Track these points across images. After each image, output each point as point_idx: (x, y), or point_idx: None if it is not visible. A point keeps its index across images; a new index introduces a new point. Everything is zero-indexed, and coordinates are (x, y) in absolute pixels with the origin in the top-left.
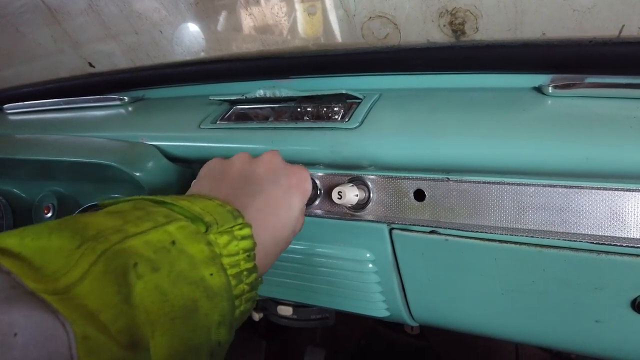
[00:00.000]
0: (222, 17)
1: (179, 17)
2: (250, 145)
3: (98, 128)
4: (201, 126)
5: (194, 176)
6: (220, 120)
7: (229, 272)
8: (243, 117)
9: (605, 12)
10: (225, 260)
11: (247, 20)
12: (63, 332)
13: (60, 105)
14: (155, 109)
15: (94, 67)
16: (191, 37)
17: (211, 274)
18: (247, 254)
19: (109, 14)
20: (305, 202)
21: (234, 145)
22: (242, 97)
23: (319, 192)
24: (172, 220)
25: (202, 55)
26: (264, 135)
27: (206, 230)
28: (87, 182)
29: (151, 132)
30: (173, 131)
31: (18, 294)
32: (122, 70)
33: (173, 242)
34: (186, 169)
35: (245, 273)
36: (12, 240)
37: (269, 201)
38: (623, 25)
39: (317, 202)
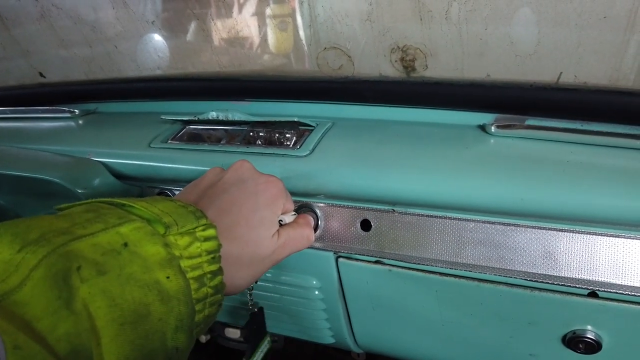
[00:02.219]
0: (178, 36)
1: (135, 33)
2: (200, 167)
3: (45, 141)
4: (151, 145)
5: (141, 194)
6: (172, 139)
7: (190, 274)
8: (195, 137)
9: (545, 59)
10: (186, 263)
11: (204, 41)
12: None
13: (7, 114)
14: (106, 123)
15: (44, 77)
16: (147, 54)
17: (167, 277)
18: (211, 255)
19: (62, 24)
20: (279, 214)
21: (184, 166)
22: (194, 118)
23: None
24: (125, 222)
25: (158, 72)
26: (214, 157)
27: (165, 232)
28: (30, 196)
29: (100, 147)
30: (122, 148)
31: None
32: (75, 82)
33: (125, 244)
34: (134, 187)
35: (208, 275)
36: None
37: (233, 201)
38: (561, 73)
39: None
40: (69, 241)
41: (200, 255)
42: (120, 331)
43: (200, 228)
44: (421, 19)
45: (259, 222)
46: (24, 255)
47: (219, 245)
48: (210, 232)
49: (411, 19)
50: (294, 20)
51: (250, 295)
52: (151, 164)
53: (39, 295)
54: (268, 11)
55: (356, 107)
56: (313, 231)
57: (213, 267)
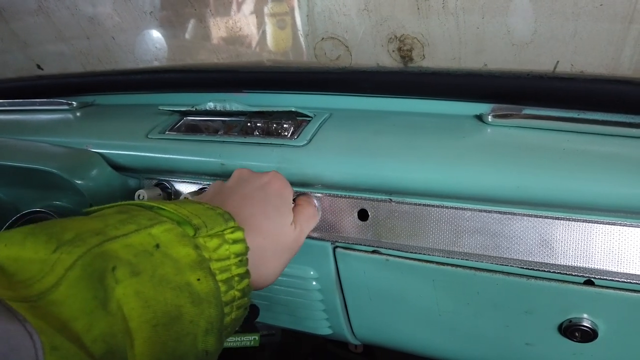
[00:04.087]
0: (177, 28)
1: (132, 24)
2: (198, 158)
3: (43, 132)
4: (149, 136)
5: (138, 185)
6: (169, 130)
7: (219, 277)
8: (193, 128)
9: (542, 48)
10: (215, 265)
11: (202, 32)
12: (30, 343)
13: (5, 106)
14: (103, 115)
15: (42, 69)
16: (145, 45)
17: (198, 279)
18: (239, 258)
19: (60, 16)
20: (291, 202)
21: (181, 156)
22: (192, 109)
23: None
24: (156, 223)
25: (155, 64)
26: (212, 148)
27: (194, 234)
28: (28, 188)
29: (97, 139)
30: (120, 139)
31: None
32: (72, 75)
33: (157, 246)
34: (131, 178)
35: (236, 279)
36: None
37: (244, 197)
38: (557, 62)
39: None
40: (103, 242)
41: (228, 258)
42: (153, 333)
43: (229, 230)
44: (418, 9)
45: (275, 212)
46: (59, 255)
47: (247, 248)
48: (238, 234)
49: (408, 8)
50: (291, 10)
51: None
52: (149, 154)
53: (74, 295)
54: (266, 3)
55: (354, 97)
56: (315, 207)
57: (241, 270)
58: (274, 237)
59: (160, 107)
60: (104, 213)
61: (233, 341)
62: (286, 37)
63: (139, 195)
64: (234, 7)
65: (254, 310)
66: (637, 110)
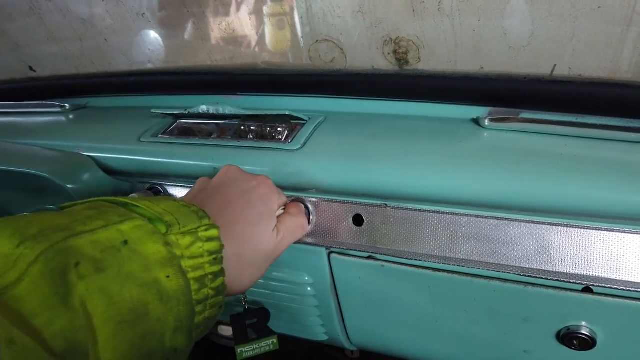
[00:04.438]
0: (170, 30)
1: (125, 26)
2: (191, 162)
3: (35, 135)
4: (141, 139)
5: (131, 189)
6: (162, 134)
7: (191, 275)
8: (186, 132)
9: (539, 51)
10: (187, 263)
11: (196, 35)
12: None
13: None
14: (96, 118)
15: (34, 71)
16: (138, 48)
17: (167, 276)
18: (213, 256)
19: (51, 18)
20: (275, 209)
21: (174, 160)
22: (184, 112)
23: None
24: (126, 220)
25: (149, 66)
26: (205, 151)
27: (166, 231)
28: (19, 192)
29: (90, 142)
30: (112, 143)
31: None
32: (65, 77)
33: (125, 242)
34: (124, 182)
35: (210, 277)
36: None
37: (227, 200)
38: (555, 65)
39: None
40: (67, 237)
41: (202, 256)
42: (118, 330)
43: (203, 228)
44: (414, 11)
45: (258, 218)
46: (22, 250)
47: (222, 246)
48: (213, 232)
49: (404, 10)
50: (285, 12)
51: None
52: (141, 158)
53: (35, 290)
54: (261, 4)
55: (349, 100)
56: (306, 219)
57: (215, 269)
58: (253, 244)
59: (153, 111)
60: (73, 209)
61: (252, 349)
62: (280, 39)
63: None
64: (228, 9)
65: (264, 313)
66: (636, 114)
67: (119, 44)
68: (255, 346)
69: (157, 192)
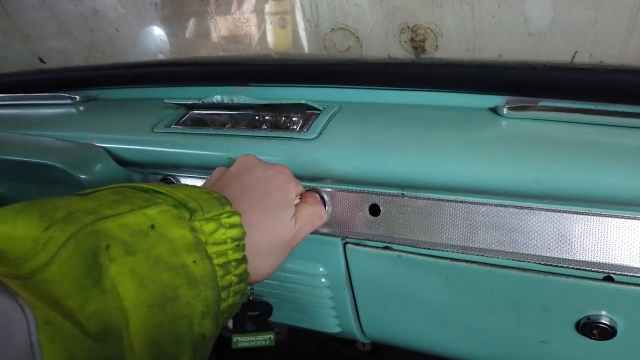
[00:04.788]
0: (183, 20)
1: (137, 16)
2: (205, 152)
3: (46, 127)
4: (154, 130)
5: (143, 180)
6: (175, 124)
7: (216, 261)
8: (199, 122)
9: (560, 38)
10: (211, 249)
11: (209, 25)
12: (22, 316)
13: (7, 101)
14: (107, 109)
15: (44, 63)
16: (150, 38)
17: (194, 261)
18: (236, 243)
19: (63, 9)
20: (293, 197)
21: (187, 150)
22: (198, 102)
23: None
24: (152, 204)
25: (160, 56)
26: (219, 141)
27: (190, 217)
28: (31, 184)
29: (102, 133)
30: (124, 134)
31: None
32: (75, 68)
33: (152, 226)
34: (136, 173)
35: (233, 264)
36: None
37: (245, 188)
38: (575, 52)
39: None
40: (96, 220)
41: (225, 242)
42: (149, 313)
43: (226, 215)
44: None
45: (276, 206)
46: (51, 233)
47: (244, 233)
48: (235, 219)
49: None
50: (300, 0)
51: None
52: (154, 149)
53: (67, 273)
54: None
55: (364, 90)
56: (323, 207)
57: (238, 255)
58: (271, 232)
59: (166, 101)
60: (98, 194)
61: (247, 341)
62: (294, 28)
63: None
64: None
65: (267, 308)
66: None
67: (131, 34)
68: (251, 338)
69: (170, 183)
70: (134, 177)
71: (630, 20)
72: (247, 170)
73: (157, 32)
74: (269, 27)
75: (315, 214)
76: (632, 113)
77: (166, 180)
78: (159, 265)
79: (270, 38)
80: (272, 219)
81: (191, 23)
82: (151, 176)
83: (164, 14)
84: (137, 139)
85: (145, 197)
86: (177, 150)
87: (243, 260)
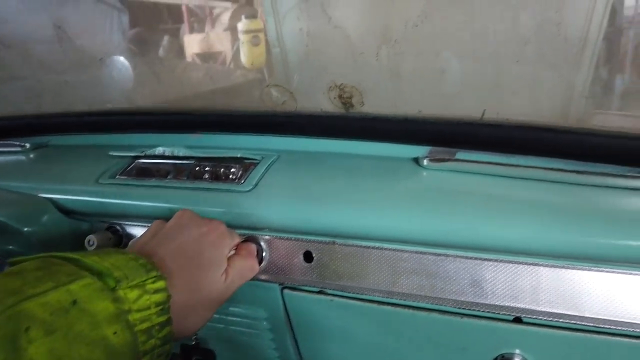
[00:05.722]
0: (128, 72)
1: (84, 68)
2: (147, 203)
3: None
4: (99, 180)
5: (90, 229)
6: (120, 174)
7: (139, 327)
8: (144, 172)
9: (470, 97)
10: (135, 316)
11: (152, 77)
12: None
13: None
14: (56, 158)
15: None
16: (97, 88)
17: (115, 332)
18: (160, 307)
19: (9, 57)
20: (226, 253)
21: (131, 201)
22: (141, 154)
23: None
24: (75, 279)
25: (109, 106)
26: (161, 193)
27: (115, 286)
28: None
29: (49, 183)
30: (71, 184)
31: None
32: (26, 116)
33: (74, 302)
34: (83, 223)
35: (157, 327)
36: None
37: (178, 246)
38: (484, 110)
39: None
40: (19, 301)
41: (149, 308)
42: None
43: (150, 280)
44: (355, 60)
45: (207, 264)
46: None
47: (169, 297)
48: (160, 284)
49: (346, 61)
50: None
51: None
52: (99, 199)
53: None
54: (217, 47)
55: (301, 139)
56: (256, 260)
57: (162, 319)
58: (200, 291)
59: (111, 153)
60: (24, 268)
61: None
62: (235, 82)
63: (88, 241)
64: (183, 52)
65: (209, 355)
66: (557, 155)
67: (80, 84)
68: None
69: (116, 232)
70: (80, 227)
71: (527, 83)
72: (182, 227)
73: (104, 83)
74: (212, 81)
75: (247, 268)
76: (533, 166)
77: (112, 229)
78: (77, 341)
79: (213, 90)
80: (202, 277)
81: (137, 75)
82: (98, 224)
83: (109, 67)
84: (83, 189)
85: (70, 270)
86: (121, 202)
87: (167, 322)
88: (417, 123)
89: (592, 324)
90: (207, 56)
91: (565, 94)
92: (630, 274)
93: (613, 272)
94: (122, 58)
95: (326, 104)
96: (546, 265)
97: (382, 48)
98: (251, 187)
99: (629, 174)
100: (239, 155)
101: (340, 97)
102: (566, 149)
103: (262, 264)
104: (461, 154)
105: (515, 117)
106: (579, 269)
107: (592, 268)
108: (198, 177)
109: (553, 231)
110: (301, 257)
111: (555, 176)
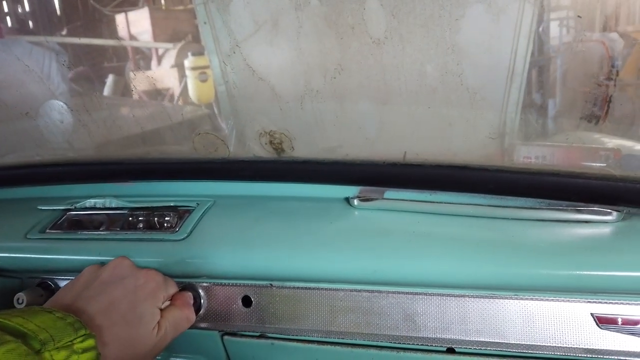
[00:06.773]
0: (55, 125)
1: (11, 122)
2: (79, 257)
3: None
4: (28, 236)
5: (21, 285)
6: (50, 228)
7: None
8: (75, 224)
9: (390, 141)
10: None
11: (81, 129)
12: None
13: None
14: None
15: None
16: (24, 141)
17: None
18: None
19: None
20: (160, 305)
21: (62, 256)
22: (71, 207)
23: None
24: None
25: (37, 158)
26: (93, 245)
27: (41, 348)
28: None
29: None
30: None
31: None
32: None
33: None
34: (13, 280)
35: None
36: None
37: (110, 302)
38: (405, 152)
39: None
40: None
41: None
42: None
43: (79, 340)
44: (281, 109)
45: (139, 319)
46: None
47: (97, 355)
48: (89, 342)
49: (273, 110)
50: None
51: None
52: (28, 255)
53: None
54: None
55: (236, 184)
56: (193, 310)
57: None
58: (132, 347)
59: (40, 207)
60: None
61: None
62: (167, 130)
63: (17, 299)
64: (111, 105)
65: None
66: (471, 190)
67: (5, 137)
68: None
69: (47, 287)
70: (10, 284)
71: (439, 128)
72: (117, 279)
73: (32, 136)
74: (143, 129)
75: (182, 318)
76: (456, 202)
77: (43, 285)
78: None
79: (144, 138)
80: (133, 332)
81: (65, 128)
82: (28, 280)
83: (36, 121)
84: (10, 246)
85: None
86: (52, 257)
87: None
88: (346, 165)
89: (515, 350)
90: (155, 93)
91: (474, 136)
92: (546, 300)
93: (531, 299)
94: (59, 102)
95: (258, 150)
96: (472, 297)
97: (305, 98)
98: (186, 234)
99: (540, 207)
100: (171, 204)
101: (271, 142)
102: (480, 185)
103: (200, 312)
104: (389, 193)
105: (433, 157)
106: (501, 298)
107: (513, 297)
108: (132, 227)
109: (475, 263)
110: (240, 302)
111: (475, 211)
